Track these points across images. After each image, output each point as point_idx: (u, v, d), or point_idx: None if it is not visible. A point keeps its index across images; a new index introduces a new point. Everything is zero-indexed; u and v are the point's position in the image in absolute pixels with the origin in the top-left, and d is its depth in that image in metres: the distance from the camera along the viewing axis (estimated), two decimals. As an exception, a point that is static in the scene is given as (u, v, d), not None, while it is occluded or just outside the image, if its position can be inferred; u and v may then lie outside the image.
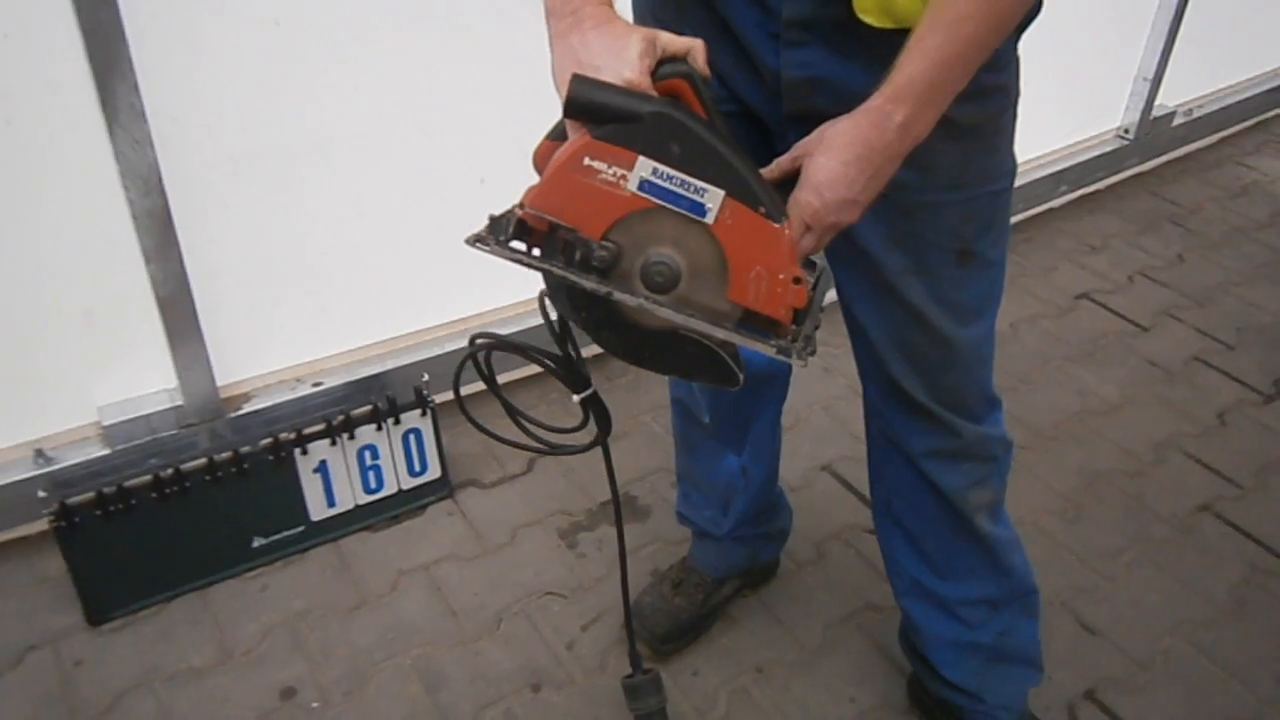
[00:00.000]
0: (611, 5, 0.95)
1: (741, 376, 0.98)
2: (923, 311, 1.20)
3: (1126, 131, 3.22)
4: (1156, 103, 3.22)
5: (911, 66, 0.92)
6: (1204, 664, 1.76)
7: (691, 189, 0.88)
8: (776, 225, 0.89)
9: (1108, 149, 3.19)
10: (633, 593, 1.70)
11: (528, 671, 1.69)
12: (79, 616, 1.71)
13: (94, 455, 1.74)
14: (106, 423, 1.73)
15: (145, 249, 1.64)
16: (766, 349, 0.93)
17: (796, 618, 1.82)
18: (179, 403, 1.78)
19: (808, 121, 1.06)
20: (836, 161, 0.93)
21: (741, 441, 1.60)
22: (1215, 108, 3.52)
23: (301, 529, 1.88)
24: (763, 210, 0.89)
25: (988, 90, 1.05)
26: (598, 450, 1.22)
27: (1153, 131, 3.27)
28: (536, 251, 0.94)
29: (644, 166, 0.88)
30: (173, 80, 1.57)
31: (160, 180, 1.60)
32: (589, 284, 0.92)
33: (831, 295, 1.14)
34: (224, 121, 1.66)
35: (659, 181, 0.88)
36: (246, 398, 1.88)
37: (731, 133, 0.93)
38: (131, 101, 1.52)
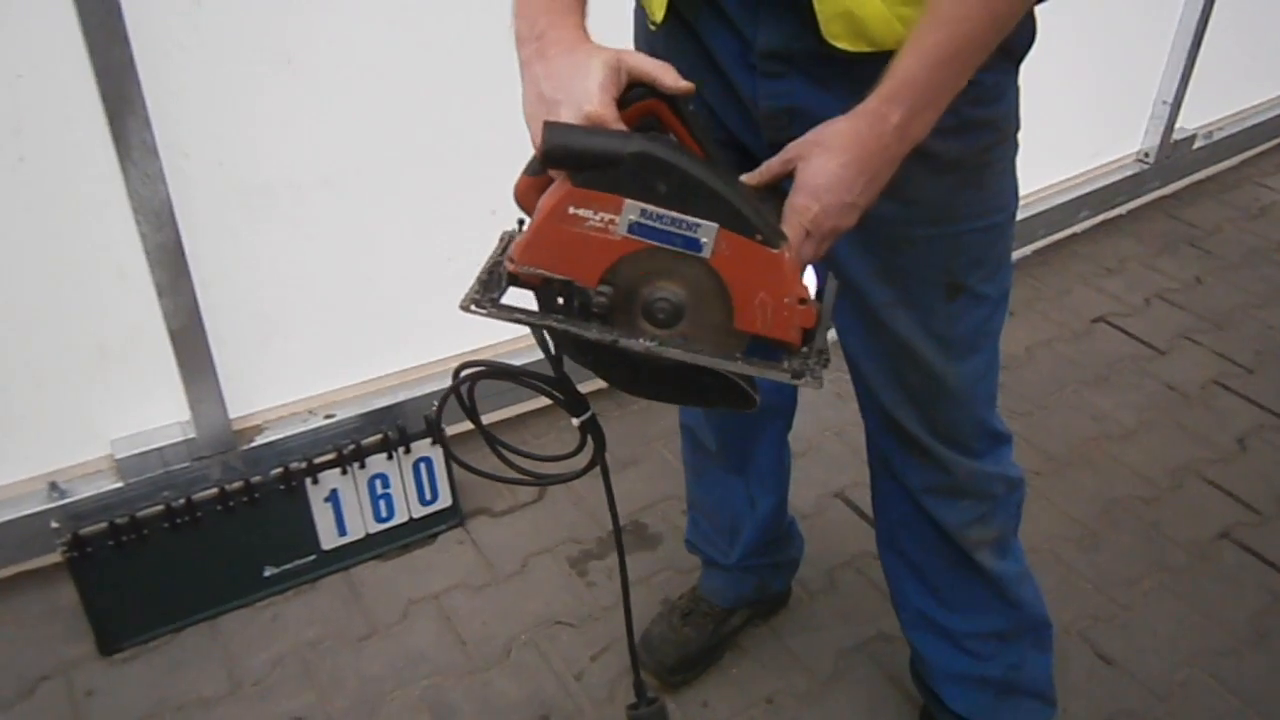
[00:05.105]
0: (581, 24, 0.92)
1: (757, 398, 0.96)
2: (911, 345, 1.18)
3: (1147, 155, 3.20)
4: (1177, 126, 3.19)
5: (908, 67, 0.89)
6: (1224, 695, 1.73)
7: (683, 225, 0.86)
8: (775, 250, 0.87)
9: (1128, 173, 3.16)
10: (642, 622, 1.70)
11: (536, 702, 1.69)
12: (91, 646, 1.73)
13: (107, 488, 1.75)
14: (119, 456, 1.75)
15: (158, 283, 1.66)
16: (780, 376, 0.90)
17: (808, 648, 1.80)
18: (191, 435, 1.79)
19: None
20: (835, 164, 0.90)
21: (747, 468, 1.59)
22: (1235, 130, 3.49)
23: (313, 558, 1.88)
24: (759, 237, 0.86)
25: (972, 125, 1.04)
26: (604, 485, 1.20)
27: (1173, 155, 3.24)
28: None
29: (631, 209, 0.86)
30: (185, 116, 1.59)
31: (172, 214, 1.62)
32: (592, 335, 0.91)
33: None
34: (236, 156, 1.68)
35: (649, 222, 0.86)
36: (259, 430, 1.89)
37: (717, 148, 0.91)
38: (144, 137, 1.54)
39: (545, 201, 0.88)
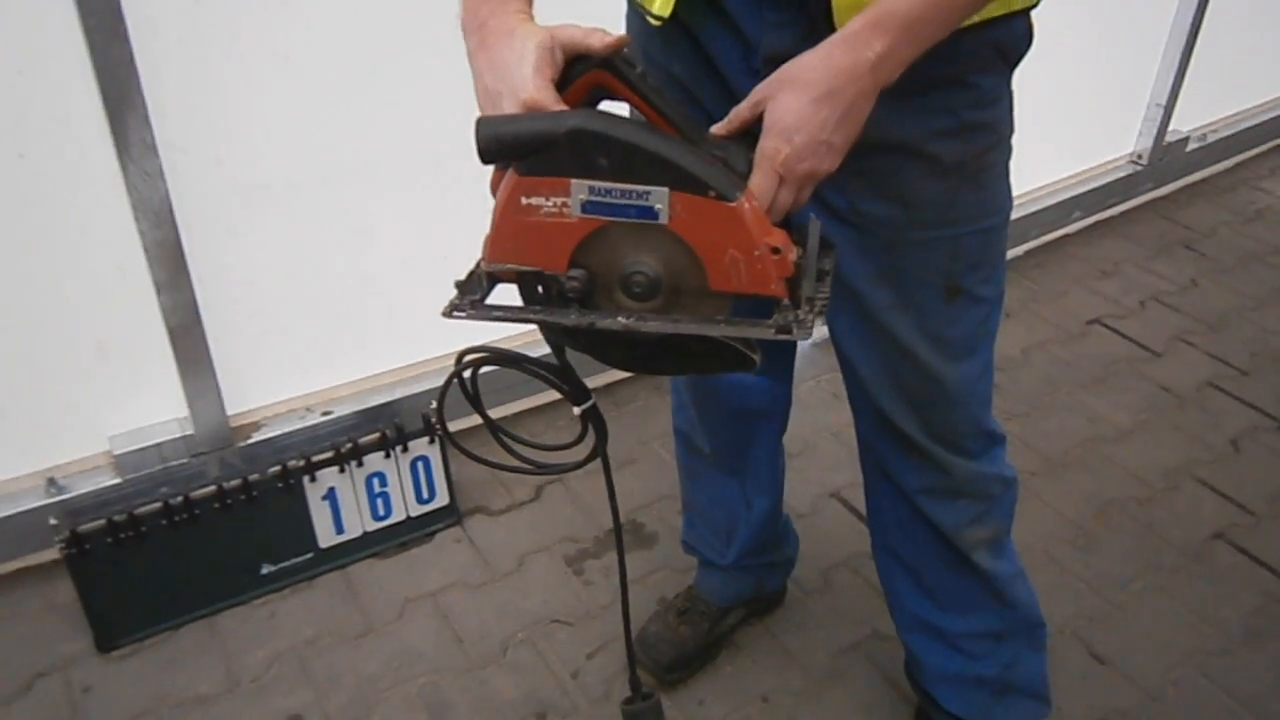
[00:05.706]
0: (523, 8, 0.90)
1: (757, 357, 0.92)
2: (910, 347, 1.18)
3: (1140, 157, 3.21)
4: (1170, 128, 3.21)
5: None
6: (1217, 695, 1.74)
7: (634, 196, 0.84)
8: (732, 204, 0.83)
9: (1121, 175, 3.18)
10: (638, 621, 1.71)
11: (533, 700, 1.69)
12: (89, 643, 1.73)
13: (105, 484, 1.75)
14: (118, 452, 1.75)
15: (156, 279, 1.66)
16: (764, 333, 0.87)
17: (803, 646, 1.81)
18: (189, 432, 1.80)
19: None
20: (805, 100, 0.84)
21: (742, 471, 1.60)
22: (1229, 133, 3.51)
23: (310, 556, 1.89)
24: (713, 193, 0.83)
25: (972, 127, 1.04)
26: (604, 477, 1.19)
27: (1166, 157, 3.26)
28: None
29: (580, 188, 0.84)
30: (184, 113, 1.60)
31: (171, 212, 1.62)
32: (570, 321, 0.90)
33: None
34: (235, 154, 1.69)
35: (600, 198, 0.84)
36: (256, 426, 1.90)
37: (675, 105, 0.89)
38: (143, 135, 1.55)
39: (499, 197, 0.88)
